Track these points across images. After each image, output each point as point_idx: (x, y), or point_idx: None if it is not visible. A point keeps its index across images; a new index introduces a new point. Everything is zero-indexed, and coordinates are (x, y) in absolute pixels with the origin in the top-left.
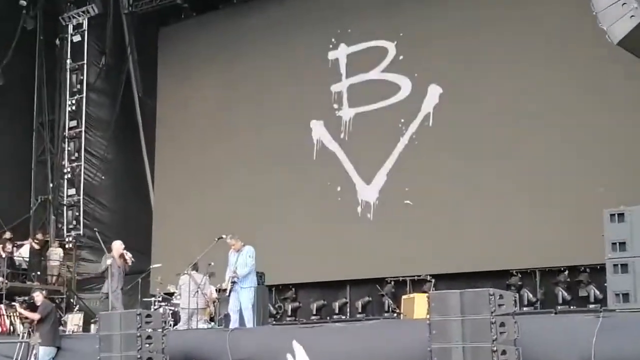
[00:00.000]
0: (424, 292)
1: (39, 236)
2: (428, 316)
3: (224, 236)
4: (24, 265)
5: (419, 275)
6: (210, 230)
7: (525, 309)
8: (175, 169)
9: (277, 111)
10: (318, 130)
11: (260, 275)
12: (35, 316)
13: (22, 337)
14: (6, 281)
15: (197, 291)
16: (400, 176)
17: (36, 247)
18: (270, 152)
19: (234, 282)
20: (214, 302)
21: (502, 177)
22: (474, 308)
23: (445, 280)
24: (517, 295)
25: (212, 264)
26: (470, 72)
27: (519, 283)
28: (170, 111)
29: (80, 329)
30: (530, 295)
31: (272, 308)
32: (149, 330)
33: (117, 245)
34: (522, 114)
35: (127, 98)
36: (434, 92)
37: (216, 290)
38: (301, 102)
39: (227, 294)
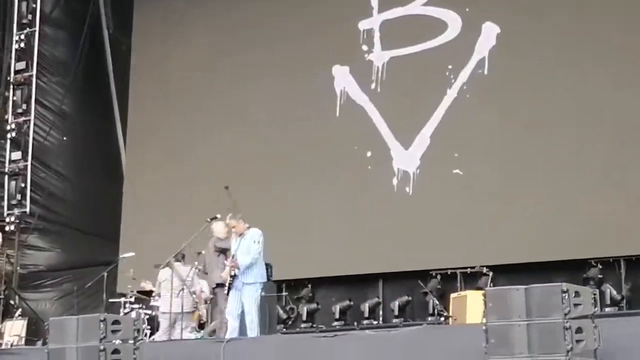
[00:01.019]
0: (479, 288)
1: None
2: (484, 320)
3: (218, 216)
4: None
5: (473, 267)
6: (200, 210)
7: (607, 309)
8: (155, 131)
9: (289, 55)
10: (342, 78)
11: (266, 268)
12: None
13: None
14: None
15: (182, 289)
16: (448, 138)
17: None
18: (279, 110)
19: (233, 276)
20: (205, 302)
21: (580, 141)
22: (542, 309)
23: (506, 273)
24: (597, 291)
25: (203, 252)
26: (535, 7)
27: (600, 276)
28: (149, 56)
29: (23, 341)
30: (614, 292)
31: (281, 311)
32: (117, 342)
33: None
34: (605, 60)
35: (95, 35)
36: (489, 32)
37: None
38: (320, 43)
39: (226, 291)
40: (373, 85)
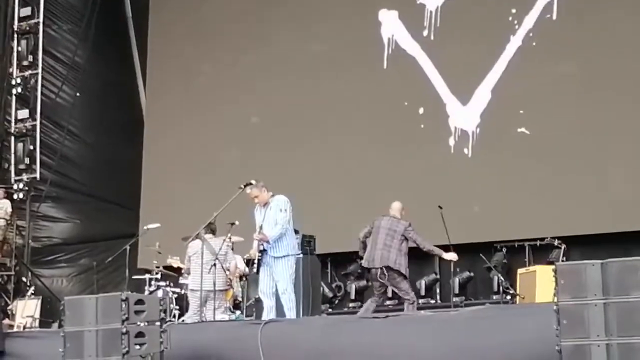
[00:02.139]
0: (550, 263)
1: None
2: (555, 298)
3: (253, 182)
4: None
5: (543, 239)
6: (232, 176)
7: None
8: (179, 85)
9: None
10: (390, 24)
11: (308, 241)
12: None
13: None
14: None
15: (214, 264)
16: (512, 93)
17: None
18: (317, 62)
19: (262, 251)
20: (240, 279)
21: None
22: (621, 286)
23: (581, 245)
24: None
25: (237, 223)
26: None
27: None
28: None
29: (37, 323)
30: None
31: (327, 289)
32: (141, 324)
33: None
34: None
35: None
36: None
37: (245, 262)
38: None
39: (255, 269)
40: (425, 32)
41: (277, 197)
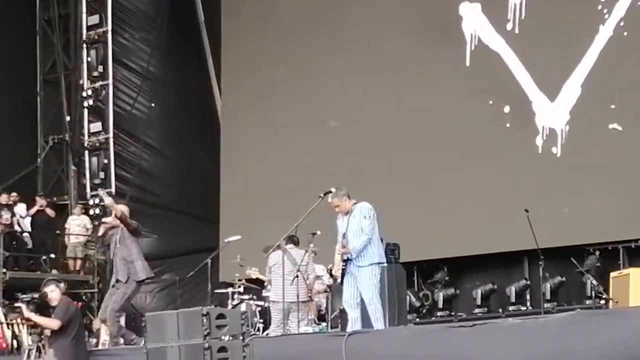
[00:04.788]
0: None
1: (44, 200)
2: None
3: (332, 190)
4: (31, 245)
5: (637, 241)
6: (312, 184)
7: None
8: (254, 92)
9: None
10: (473, 19)
11: (392, 249)
12: (52, 323)
13: (29, 356)
14: (4, 270)
15: (297, 276)
16: (603, 87)
17: (50, 214)
18: (396, 60)
19: (346, 261)
20: (324, 291)
21: None
22: None
23: None
24: None
25: (319, 232)
26: None
27: None
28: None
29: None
30: None
31: (413, 298)
32: (224, 338)
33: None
34: None
35: None
36: None
37: (329, 272)
38: None
39: (339, 280)
40: (510, 26)
41: (360, 205)
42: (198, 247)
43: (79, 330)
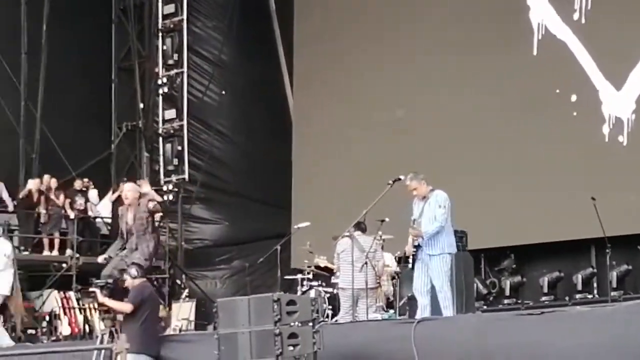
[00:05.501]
0: None
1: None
2: None
3: (401, 177)
4: (104, 231)
5: None
6: (382, 172)
7: None
8: (325, 78)
9: None
10: (540, 8)
11: (460, 236)
12: (124, 307)
13: (102, 341)
14: (77, 255)
15: (365, 263)
16: None
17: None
18: (463, 50)
19: (417, 247)
20: (392, 278)
21: None
22: None
23: None
24: None
25: (387, 220)
26: None
27: None
28: None
29: (192, 325)
30: None
31: (480, 285)
32: (294, 324)
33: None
34: None
35: None
36: None
37: (396, 259)
38: None
39: (410, 265)
40: (576, 16)
41: (436, 192)
42: (267, 234)
43: (150, 316)
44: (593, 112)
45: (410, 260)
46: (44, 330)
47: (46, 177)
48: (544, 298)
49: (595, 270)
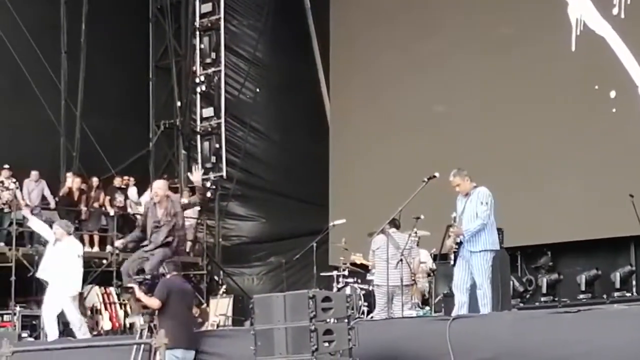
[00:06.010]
0: None
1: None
2: None
3: (437, 174)
4: None
5: None
6: (416, 169)
7: None
8: (361, 75)
9: None
10: (578, 4)
11: (498, 234)
12: (153, 302)
13: (141, 336)
14: (117, 251)
15: (401, 259)
16: None
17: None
18: (502, 44)
19: (459, 244)
20: (428, 275)
21: None
22: None
23: None
24: None
25: (422, 217)
26: None
27: None
28: None
29: (229, 321)
30: None
31: (517, 283)
32: (330, 321)
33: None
34: None
35: None
36: None
37: (432, 256)
38: None
39: (452, 262)
40: (615, 11)
41: (479, 189)
42: (303, 231)
43: (179, 310)
44: (632, 108)
45: (452, 257)
46: (87, 325)
47: (88, 177)
48: (581, 296)
49: (634, 269)
